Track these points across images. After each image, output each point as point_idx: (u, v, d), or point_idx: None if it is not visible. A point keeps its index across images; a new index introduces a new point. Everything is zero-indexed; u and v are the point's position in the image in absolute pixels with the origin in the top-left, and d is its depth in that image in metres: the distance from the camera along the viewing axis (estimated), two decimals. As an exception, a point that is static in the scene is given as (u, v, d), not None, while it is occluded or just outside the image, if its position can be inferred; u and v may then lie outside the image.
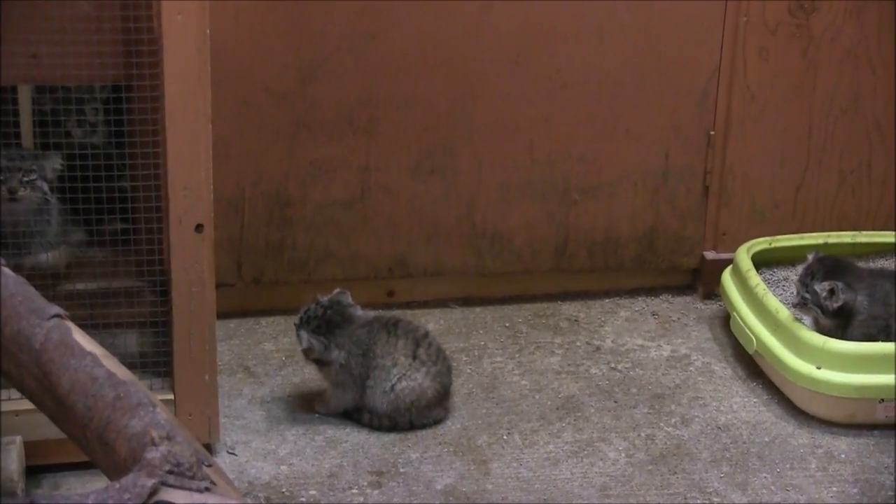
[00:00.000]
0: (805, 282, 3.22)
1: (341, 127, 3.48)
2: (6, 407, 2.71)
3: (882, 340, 3.16)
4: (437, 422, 3.12)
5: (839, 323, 3.20)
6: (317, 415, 3.14)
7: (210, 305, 2.80)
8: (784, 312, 3.22)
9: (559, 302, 3.74)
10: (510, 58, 3.50)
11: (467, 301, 3.71)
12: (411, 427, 3.09)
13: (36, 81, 3.15)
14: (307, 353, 3.06)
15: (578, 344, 3.53)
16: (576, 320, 3.65)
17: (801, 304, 3.23)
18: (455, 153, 3.56)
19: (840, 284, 3.16)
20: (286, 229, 3.51)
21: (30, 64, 2.77)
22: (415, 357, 3.08)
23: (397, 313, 3.30)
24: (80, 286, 3.00)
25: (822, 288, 3.16)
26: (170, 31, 2.60)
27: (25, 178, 2.94)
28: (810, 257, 3.27)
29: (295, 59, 3.40)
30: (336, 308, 3.07)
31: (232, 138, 3.33)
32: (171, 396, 2.81)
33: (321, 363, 3.07)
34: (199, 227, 2.73)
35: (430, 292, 3.70)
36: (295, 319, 3.09)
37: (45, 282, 2.68)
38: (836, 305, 3.16)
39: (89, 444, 1.87)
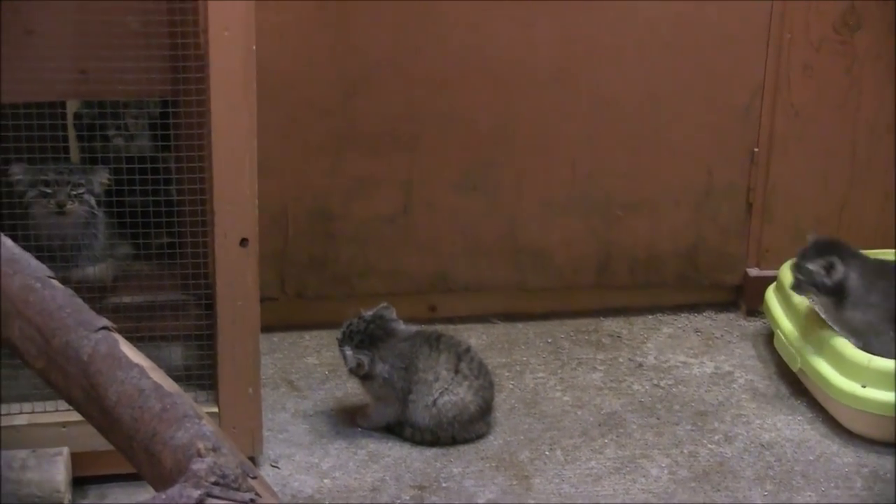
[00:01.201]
0: (799, 264, 3.24)
1: (384, 142, 3.49)
2: (53, 418, 2.73)
3: (885, 331, 3.16)
4: (479, 437, 3.12)
5: (835, 302, 3.21)
6: (359, 429, 3.14)
7: (254, 319, 2.81)
8: (828, 330, 3.20)
9: (601, 318, 3.74)
10: (552, 74, 3.50)
11: (509, 316, 3.71)
12: (453, 442, 3.09)
13: (84, 97, 3.18)
14: (356, 370, 3.06)
15: (621, 360, 3.52)
16: (618, 336, 3.65)
17: (796, 287, 3.25)
18: (497, 169, 3.57)
19: (835, 259, 3.18)
20: (329, 244, 3.52)
21: (79, 79, 2.80)
22: (457, 371, 3.08)
23: (439, 328, 3.29)
24: (126, 299, 3.02)
25: (817, 265, 3.19)
26: (216, 47, 2.61)
27: (73, 192, 2.97)
28: (809, 238, 3.29)
29: (339, 75, 3.41)
30: (378, 322, 3.07)
31: (276, 153, 3.34)
32: (215, 409, 2.82)
33: (364, 377, 3.07)
34: (243, 242, 2.73)
35: (472, 307, 3.71)
36: (337, 334, 3.10)
37: (92, 294, 2.70)
38: (835, 279, 3.18)
39: (135, 455, 1.88)
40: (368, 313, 3.09)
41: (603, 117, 3.55)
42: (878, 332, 3.18)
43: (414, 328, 3.15)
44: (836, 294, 3.19)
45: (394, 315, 3.10)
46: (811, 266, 3.20)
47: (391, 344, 3.06)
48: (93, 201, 3.00)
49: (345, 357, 3.05)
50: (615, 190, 3.62)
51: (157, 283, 3.07)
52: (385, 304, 3.12)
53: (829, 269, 3.18)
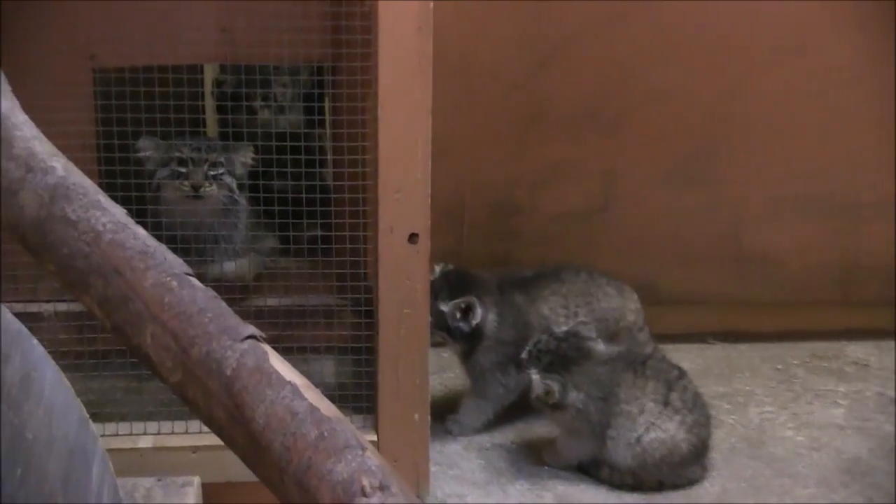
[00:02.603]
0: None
1: (582, 124, 3.47)
2: (182, 441, 2.73)
3: (506, 371, 3.15)
4: (692, 482, 3.05)
5: (468, 349, 3.16)
6: (546, 467, 3.10)
7: (423, 330, 2.77)
8: None
9: (844, 341, 3.68)
10: (789, 47, 3.44)
11: (729, 336, 3.68)
12: (660, 487, 3.02)
13: (226, 60, 3.18)
14: (544, 398, 3.00)
15: (868, 394, 3.43)
16: (865, 364, 3.58)
17: None
18: (718, 158, 3.53)
19: (473, 299, 3.11)
20: (511, 242, 3.52)
21: (220, 40, 2.80)
22: (666, 403, 3.01)
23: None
24: (269, 302, 3.01)
25: (452, 306, 3.12)
26: (387, 7, 2.57)
27: (211, 173, 2.96)
28: (437, 269, 3.20)
29: (528, 43, 3.39)
30: (573, 341, 3.03)
31: (451, 135, 3.29)
32: (373, 437, 2.80)
33: (553, 406, 3.02)
34: (412, 237, 2.70)
35: (684, 324, 3.66)
36: (522, 353, 3.06)
37: (231, 296, 2.69)
38: (474, 324, 3.12)
39: (286, 489, 1.86)
40: (561, 330, 3.05)
41: (848, 99, 3.49)
42: (503, 372, 3.18)
43: (615, 349, 3.10)
44: (472, 340, 3.14)
45: (592, 332, 3.05)
46: (444, 307, 3.13)
47: (587, 368, 3.01)
48: (234, 184, 2.99)
49: (531, 382, 3.00)
50: (862, 186, 3.55)
51: (306, 283, 3.06)
52: (582, 319, 3.09)
53: (467, 311, 3.12)
